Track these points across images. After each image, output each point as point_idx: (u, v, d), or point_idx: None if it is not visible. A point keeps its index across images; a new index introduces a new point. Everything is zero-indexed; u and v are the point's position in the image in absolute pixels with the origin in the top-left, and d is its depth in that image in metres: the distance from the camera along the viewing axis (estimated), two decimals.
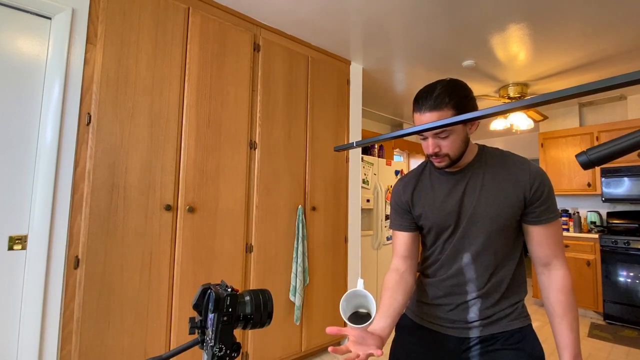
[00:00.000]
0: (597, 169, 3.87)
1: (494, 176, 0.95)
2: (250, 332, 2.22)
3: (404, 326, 1.09)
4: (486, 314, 0.95)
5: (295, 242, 2.47)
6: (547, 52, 2.85)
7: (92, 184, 1.68)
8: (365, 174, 3.69)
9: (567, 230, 4.10)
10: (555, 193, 4.22)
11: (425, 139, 0.93)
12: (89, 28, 1.72)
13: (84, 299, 1.64)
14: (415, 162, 5.62)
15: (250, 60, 2.31)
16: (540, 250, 0.94)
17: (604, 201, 3.80)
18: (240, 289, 2.17)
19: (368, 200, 3.68)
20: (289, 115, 2.53)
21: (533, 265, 0.99)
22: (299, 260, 2.44)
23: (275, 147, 2.43)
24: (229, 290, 0.60)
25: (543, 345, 3.04)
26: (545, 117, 3.87)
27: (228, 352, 0.57)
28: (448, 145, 0.90)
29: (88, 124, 1.70)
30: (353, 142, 0.59)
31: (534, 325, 3.44)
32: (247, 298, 0.62)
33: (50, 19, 1.65)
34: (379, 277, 3.75)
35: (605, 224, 4.04)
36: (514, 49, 2.79)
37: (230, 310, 0.58)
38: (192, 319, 0.60)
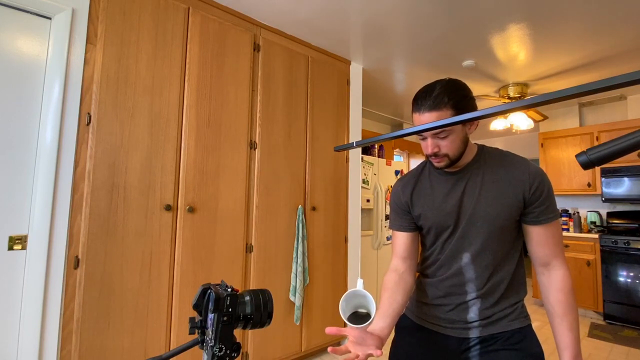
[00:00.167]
0: (597, 169, 3.87)
1: (494, 176, 0.95)
2: (250, 332, 2.22)
3: (404, 326, 1.09)
4: (486, 314, 0.95)
5: (295, 242, 2.47)
6: (547, 52, 2.85)
7: (92, 184, 1.68)
8: (365, 174, 3.69)
9: (567, 230, 4.10)
10: (555, 193, 4.24)
11: (424, 139, 0.93)
12: (89, 28, 1.72)
13: (84, 299, 1.64)
14: (415, 162, 5.62)
15: (250, 60, 2.31)
16: (539, 251, 0.93)
17: (604, 201, 3.80)
18: (240, 289, 2.17)
19: (368, 200, 3.68)
20: (289, 115, 2.53)
21: (533, 265, 0.98)
22: (299, 260, 2.44)
23: (275, 147, 2.43)
24: (229, 290, 0.60)
25: (543, 346, 3.03)
26: (545, 117, 3.87)
27: (228, 352, 0.57)
28: (447, 146, 0.90)
29: (88, 124, 1.70)
30: (353, 142, 0.59)
31: (534, 325, 3.44)
32: (247, 298, 0.62)
33: (50, 19, 1.65)
34: (379, 277, 3.75)
35: (605, 224, 4.04)
36: (514, 49, 2.79)
37: (230, 310, 0.58)
38: (192, 319, 0.60)
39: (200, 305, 0.60)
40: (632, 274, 3.38)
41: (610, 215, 3.98)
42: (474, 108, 0.91)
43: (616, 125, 3.83)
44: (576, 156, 0.43)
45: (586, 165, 0.43)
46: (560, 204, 4.46)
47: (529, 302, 4.21)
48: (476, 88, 3.69)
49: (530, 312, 3.82)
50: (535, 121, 3.99)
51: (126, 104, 1.80)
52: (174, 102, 1.96)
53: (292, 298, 2.40)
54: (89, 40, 1.72)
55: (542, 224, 0.92)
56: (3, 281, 1.50)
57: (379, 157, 4.16)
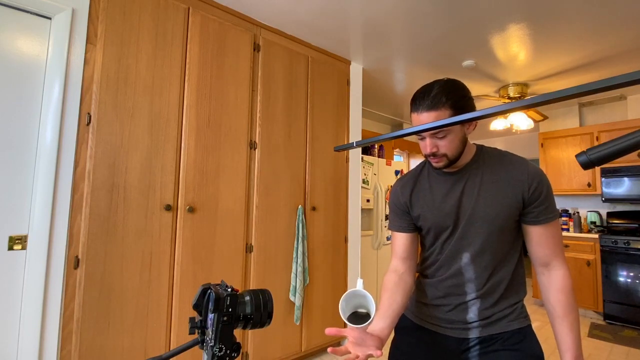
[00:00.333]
0: (597, 169, 3.87)
1: (492, 176, 0.95)
2: (250, 332, 2.22)
3: (403, 327, 1.09)
4: (485, 314, 0.95)
5: (295, 242, 2.47)
6: (547, 52, 2.85)
7: (92, 184, 1.68)
8: (365, 174, 3.69)
9: (567, 230, 4.10)
10: (555, 193, 4.24)
11: (423, 139, 0.93)
12: (89, 28, 1.72)
13: (84, 299, 1.64)
14: (415, 162, 5.62)
15: (250, 60, 2.31)
16: (539, 251, 0.93)
17: (604, 201, 3.80)
18: (240, 289, 2.17)
19: (368, 200, 3.68)
20: (289, 115, 2.53)
21: (533, 265, 0.98)
22: (299, 260, 2.44)
23: (275, 147, 2.43)
24: (229, 290, 0.60)
25: (543, 346, 3.03)
26: (545, 117, 3.87)
27: (228, 352, 0.57)
28: (446, 145, 0.90)
29: (88, 124, 1.70)
30: (353, 142, 0.59)
31: (534, 325, 3.44)
32: (247, 298, 0.62)
33: (50, 19, 1.65)
34: (379, 277, 3.75)
35: (605, 224, 4.04)
36: (514, 49, 2.79)
37: (230, 310, 0.58)
38: (192, 319, 0.60)
39: (200, 305, 0.60)
40: (632, 274, 3.38)
41: (610, 215, 3.98)
42: (472, 108, 0.91)
43: (616, 125, 3.83)
44: (576, 156, 0.43)
45: (586, 165, 0.43)
46: (560, 204, 4.46)
47: (529, 302, 4.21)
48: (476, 88, 3.69)
49: (530, 312, 3.83)
50: (535, 121, 3.99)
51: (126, 104, 1.80)
52: (174, 102, 1.96)
53: (292, 298, 2.40)
54: (89, 40, 1.72)
55: (541, 224, 0.92)
56: (3, 281, 1.50)
57: (379, 157, 4.16)
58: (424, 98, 0.88)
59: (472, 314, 0.96)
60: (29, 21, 1.60)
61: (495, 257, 0.95)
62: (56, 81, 1.62)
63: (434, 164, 0.95)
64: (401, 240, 1.07)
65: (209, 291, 0.60)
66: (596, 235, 3.69)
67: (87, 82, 1.71)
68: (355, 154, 3.04)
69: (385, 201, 3.86)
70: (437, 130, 0.88)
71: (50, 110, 1.61)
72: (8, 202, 1.52)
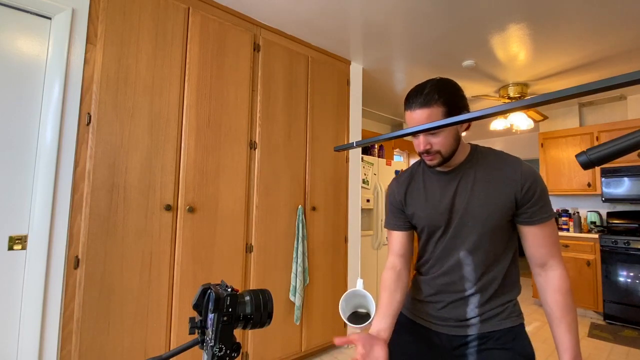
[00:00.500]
0: (597, 169, 3.87)
1: (486, 176, 0.95)
2: (250, 332, 2.22)
3: (399, 322, 1.10)
4: (477, 312, 0.96)
5: (295, 242, 2.47)
6: (547, 52, 2.85)
7: (92, 184, 1.68)
8: (365, 174, 3.69)
9: (567, 230, 4.10)
10: (555, 193, 4.24)
11: (416, 136, 0.93)
12: (89, 28, 1.72)
13: (84, 299, 1.64)
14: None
15: (250, 60, 2.31)
16: (535, 251, 0.93)
17: (604, 201, 3.80)
18: (240, 289, 2.17)
19: (368, 200, 3.68)
20: (289, 115, 2.53)
21: (530, 266, 0.98)
22: (299, 260, 2.44)
23: (275, 147, 2.43)
24: (229, 290, 0.60)
25: (543, 346, 3.03)
26: (545, 117, 3.87)
27: (228, 352, 0.57)
28: (439, 142, 0.91)
29: (88, 124, 1.70)
30: (353, 142, 0.59)
31: (534, 325, 3.44)
32: (247, 298, 0.62)
33: (50, 19, 1.65)
34: (379, 277, 3.75)
35: (605, 224, 4.04)
36: (514, 49, 2.79)
37: (230, 310, 0.58)
38: (192, 319, 0.60)
39: (200, 305, 0.60)
40: (632, 274, 3.38)
41: (610, 215, 3.98)
42: (465, 105, 0.92)
43: (616, 125, 3.83)
44: (576, 156, 0.43)
45: (586, 165, 0.43)
46: (560, 204, 4.46)
47: (529, 302, 4.21)
48: (476, 88, 3.69)
49: (530, 312, 3.83)
50: (535, 121, 3.99)
51: (126, 104, 1.80)
52: (174, 102, 1.96)
53: (292, 298, 2.40)
54: (89, 40, 1.72)
55: (536, 224, 0.91)
56: (3, 281, 1.50)
57: (379, 157, 4.15)
58: (417, 96, 0.90)
59: (464, 311, 0.97)
60: (29, 21, 1.60)
61: (488, 256, 0.95)
62: (56, 81, 1.62)
63: (428, 162, 0.96)
64: (397, 238, 1.09)
65: (209, 291, 0.60)
66: (596, 235, 3.68)
67: (87, 82, 1.71)
68: (355, 154, 3.04)
69: (385, 201, 3.85)
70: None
71: (50, 110, 1.61)
72: (8, 202, 1.52)
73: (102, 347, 1.68)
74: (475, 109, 4.31)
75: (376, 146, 4.18)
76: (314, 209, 2.63)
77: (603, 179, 3.80)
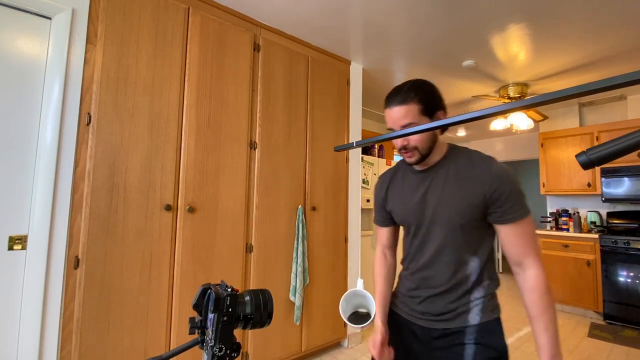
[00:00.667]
0: (597, 169, 3.87)
1: (457, 175, 0.97)
2: (250, 332, 2.22)
3: (389, 315, 1.16)
4: (450, 307, 0.98)
5: (295, 242, 2.47)
6: (547, 52, 2.85)
7: (92, 184, 1.68)
8: (365, 174, 3.69)
9: (567, 230, 4.10)
10: (555, 193, 4.24)
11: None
12: (89, 28, 1.72)
13: (84, 299, 1.64)
14: None
15: (250, 60, 2.31)
16: (510, 250, 0.94)
17: (604, 201, 3.80)
18: (240, 289, 2.17)
19: (368, 200, 3.68)
20: (289, 115, 2.53)
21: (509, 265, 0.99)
22: (299, 260, 2.44)
23: (275, 147, 2.43)
24: (229, 290, 0.60)
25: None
26: (545, 117, 3.87)
27: (228, 352, 0.57)
28: (415, 139, 0.95)
29: (88, 124, 1.70)
30: (353, 142, 0.59)
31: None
32: (247, 298, 0.62)
33: (50, 19, 1.65)
34: None
35: (605, 224, 4.04)
36: (514, 49, 2.79)
37: (230, 310, 0.58)
38: (192, 319, 0.60)
39: (200, 305, 0.60)
40: (632, 274, 3.38)
41: (610, 215, 3.98)
42: (440, 104, 0.97)
43: (616, 125, 3.83)
44: (576, 156, 0.43)
45: (586, 165, 0.43)
46: (560, 204, 4.46)
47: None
48: (476, 88, 3.69)
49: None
50: (535, 121, 3.99)
51: (126, 104, 1.80)
52: (174, 102, 1.96)
53: (292, 298, 2.40)
54: (89, 40, 1.72)
55: (508, 222, 0.92)
56: (3, 281, 1.50)
57: (379, 157, 4.15)
58: (395, 95, 0.95)
59: (439, 307, 0.99)
60: (29, 21, 1.60)
61: (460, 254, 0.97)
62: (56, 81, 1.62)
63: (407, 159, 1.00)
64: (383, 232, 1.18)
65: (209, 291, 0.60)
66: (596, 235, 3.68)
67: (87, 82, 1.71)
68: (355, 154, 3.04)
69: None
70: (406, 123, 0.94)
71: (50, 110, 1.61)
72: (8, 202, 1.52)
73: (102, 347, 1.68)
74: (475, 109, 4.31)
75: (376, 146, 4.18)
76: (314, 209, 2.63)
77: (603, 179, 3.80)
